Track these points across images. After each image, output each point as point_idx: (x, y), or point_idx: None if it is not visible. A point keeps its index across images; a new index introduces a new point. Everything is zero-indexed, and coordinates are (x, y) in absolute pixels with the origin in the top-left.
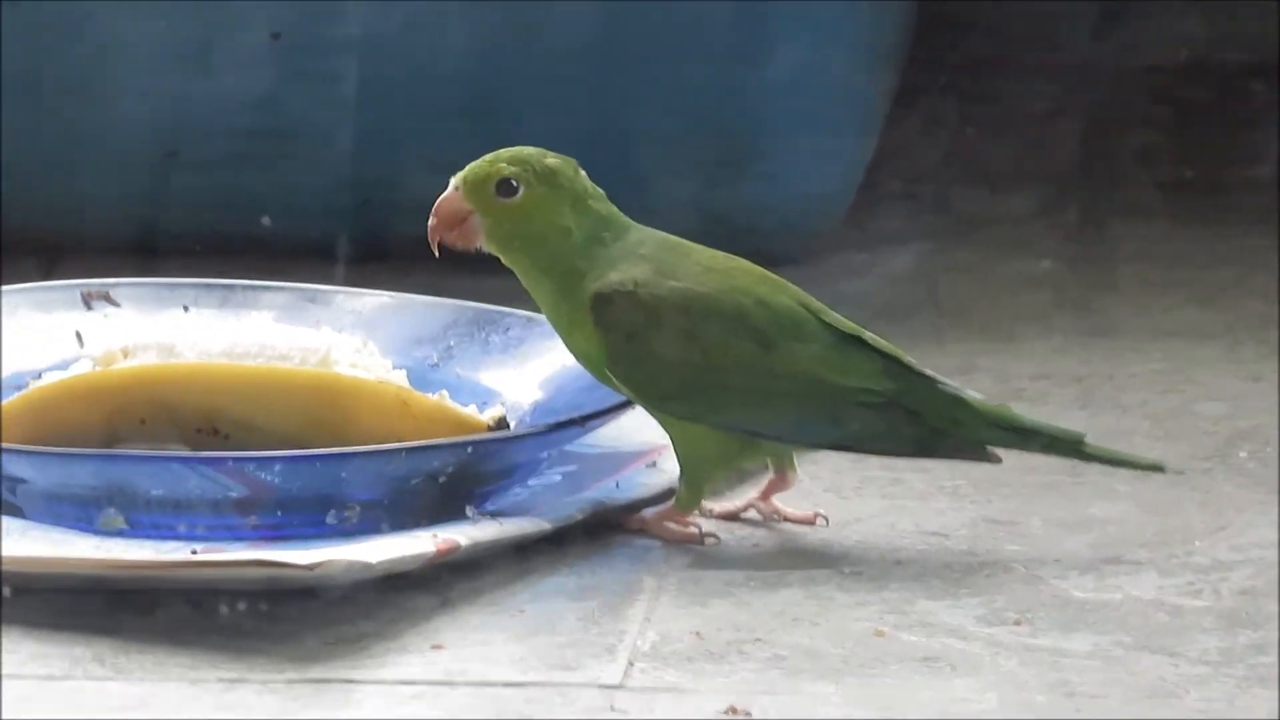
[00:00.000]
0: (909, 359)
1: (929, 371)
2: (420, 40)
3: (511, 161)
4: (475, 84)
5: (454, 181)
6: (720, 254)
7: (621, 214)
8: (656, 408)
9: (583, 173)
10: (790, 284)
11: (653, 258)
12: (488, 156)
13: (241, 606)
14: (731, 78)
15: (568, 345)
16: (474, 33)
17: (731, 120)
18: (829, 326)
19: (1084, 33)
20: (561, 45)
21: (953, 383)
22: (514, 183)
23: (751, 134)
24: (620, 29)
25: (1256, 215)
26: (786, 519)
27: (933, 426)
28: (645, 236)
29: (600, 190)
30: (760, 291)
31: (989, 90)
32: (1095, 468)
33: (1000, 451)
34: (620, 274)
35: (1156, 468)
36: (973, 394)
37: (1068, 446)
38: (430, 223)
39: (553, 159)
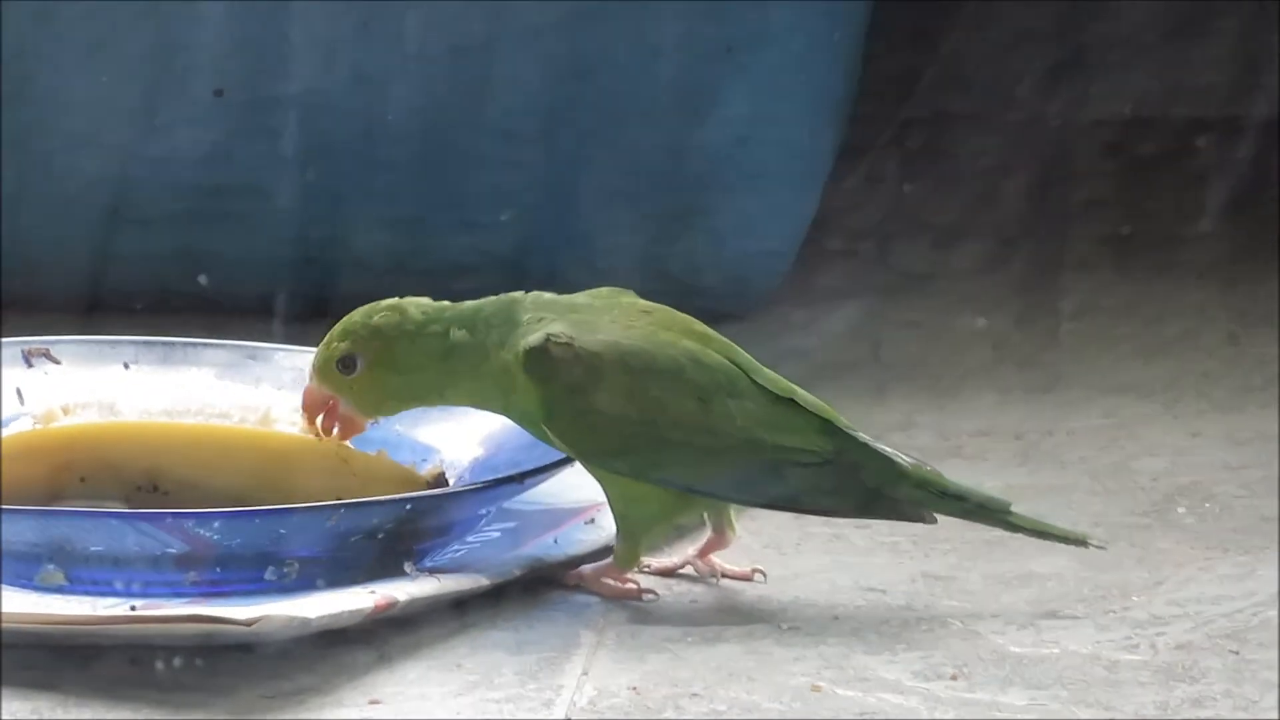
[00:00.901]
0: (843, 420)
1: (861, 434)
2: (366, 97)
3: (341, 337)
4: (421, 140)
5: (307, 372)
6: (632, 304)
7: (479, 302)
8: (595, 464)
9: (411, 307)
10: (715, 335)
11: (563, 319)
12: (326, 338)
13: (179, 662)
14: (676, 134)
15: (507, 414)
16: (420, 89)
17: (676, 176)
18: (760, 386)
19: (1030, 87)
20: (508, 102)
21: (885, 446)
22: (351, 357)
23: (696, 190)
24: (566, 85)
25: (1202, 270)
26: (725, 575)
27: (869, 487)
28: (534, 302)
29: (436, 305)
30: (689, 346)
31: (933, 145)
32: None
33: (936, 518)
34: (543, 330)
35: (1080, 541)
36: (904, 457)
37: (994, 515)
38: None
39: (379, 315)
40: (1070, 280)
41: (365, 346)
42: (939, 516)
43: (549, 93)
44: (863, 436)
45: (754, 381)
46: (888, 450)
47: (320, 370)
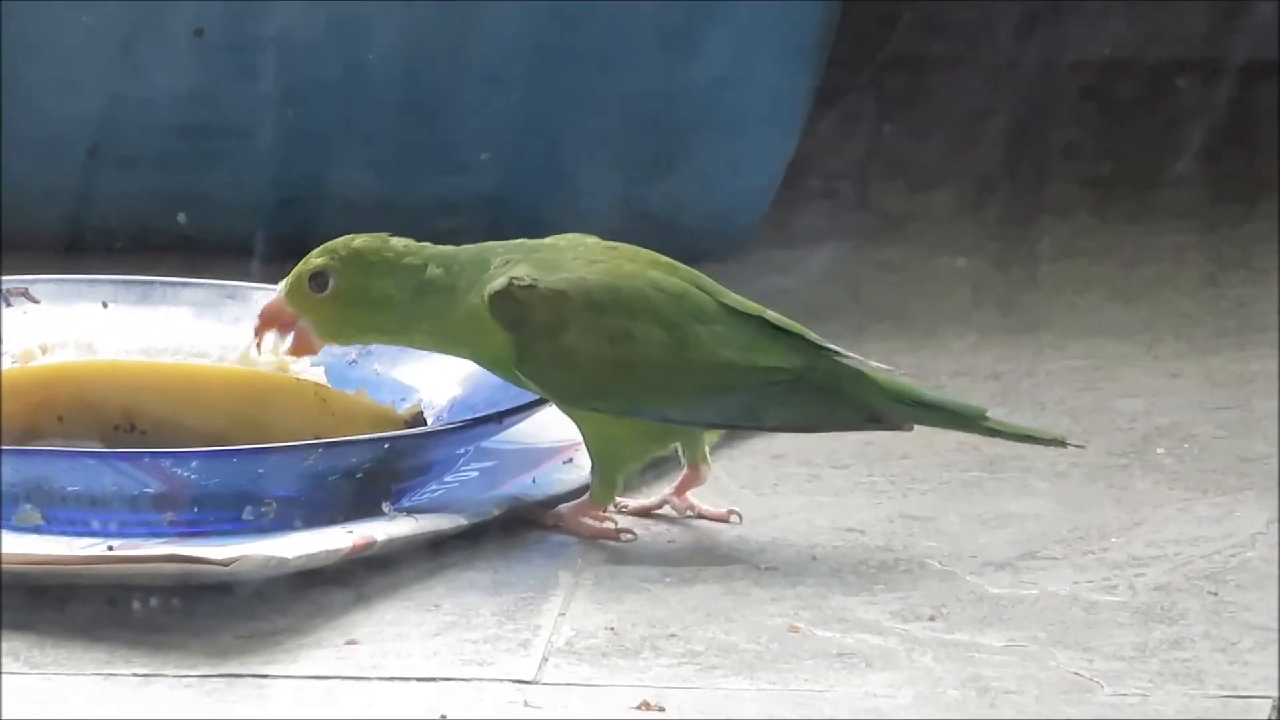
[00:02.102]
0: (812, 335)
1: (830, 345)
2: (348, 37)
3: (320, 254)
4: (403, 82)
5: (278, 288)
6: (596, 244)
7: (459, 247)
8: (567, 403)
9: (394, 240)
10: (680, 265)
11: (527, 260)
12: (304, 258)
13: (156, 602)
14: (657, 76)
15: (476, 360)
16: (402, 30)
17: (657, 118)
18: (729, 309)
19: (1008, 30)
20: (490, 43)
21: (854, 356)
22: (325, 274)
23: (677, 131)
24: (548, 28)
25: (1180, 212)
26: (701, 515)
27: (842, 400)
28: (505, 248)
29: (418, 244)
30: (654, 276)
31: (911, 88)
32: (1012, 464)
33: (914, 425)
34: (507, 275)
35: (1059, 441)
36: (876, 367)
37: (969, 421)
38: (255, 325)
39: (359, 240)
40: (1048, 223)
41: (341, 265)
42: (917, 461)
43: (531, 35)
44: (835, 349)
45: (721, 304)
46: (858, 361)
47: (291, 285)
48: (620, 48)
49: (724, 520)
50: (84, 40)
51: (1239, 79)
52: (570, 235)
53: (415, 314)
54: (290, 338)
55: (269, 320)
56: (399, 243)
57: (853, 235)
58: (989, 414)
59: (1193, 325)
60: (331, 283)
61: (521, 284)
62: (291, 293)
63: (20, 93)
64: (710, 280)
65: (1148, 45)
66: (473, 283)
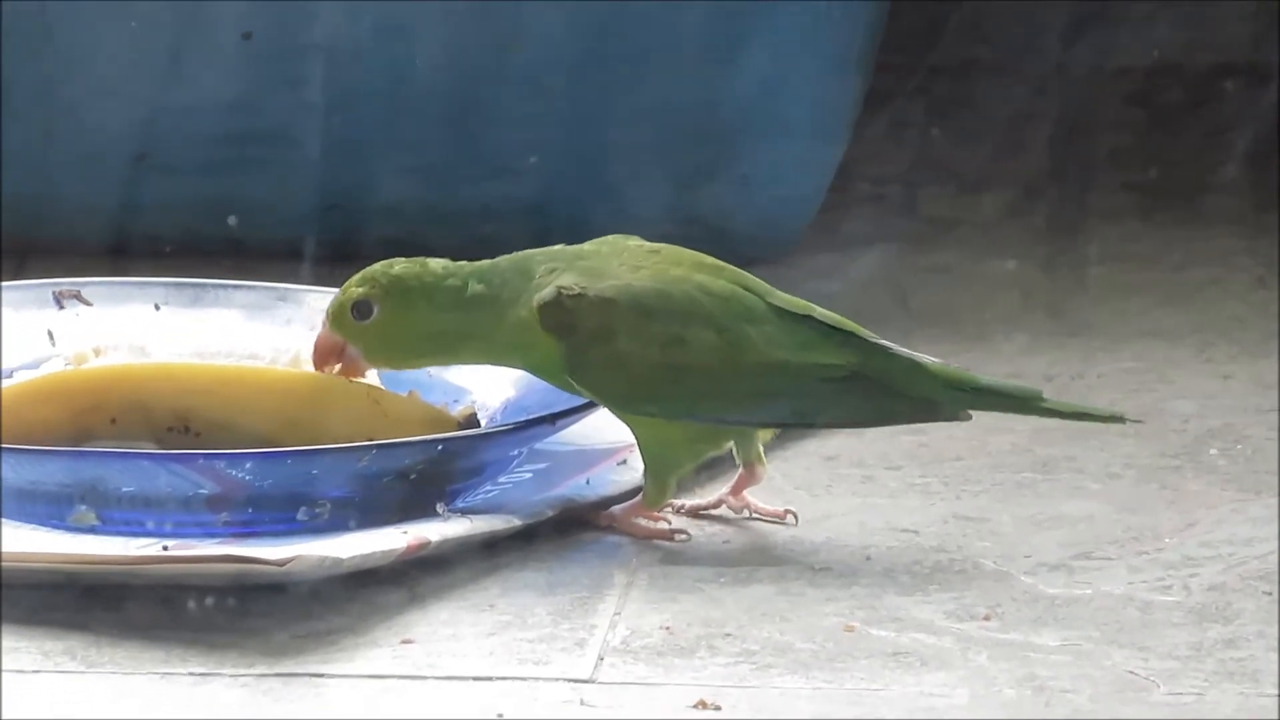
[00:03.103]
0: (862, 330)
1: (882, 340)
2: (394, 45)
3: (359, 283)
4: (448, 90)
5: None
6: (639, 247)
7: (497, 259)
8: (620, 407)
9: (433, 262)
10: (726, 265)
11: (573, 268)
12: (344, 285)
13: (211, 602)
14: (704, 82)
15: (527, 369)
16: (447, 39)
17: (704, 124)
18: (778, 308)
19: (1055, 35)
20: (535, 52)
21: (905, 349)
22: (367, 303)
23: (724, 137)
24: (593, 35)
25: (1228, 216)
26: (757, 514)
27: (898, 394)
28: (547, 255)
29: (456, 263)
30: (701, 279)
31: (959, 93)
32: (1065, 465)
33: (971, 414)
34: (555, 284)
35: (1116, 418)
36: (928, 358)
37: (1028, 404)
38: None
39: (398, 266)
40: (1096, 227)
41: (382, 293)
42: (970, 462)
43: (576, 42)
44: (885, 343)
45: (769, 304)
46: (910, 353)
47: (334, 315)
48: (664, 53)
49: (780, 519)
50: (131, 47)
51: None
52: (612, 238)
53: (462, 333)
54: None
55: (324, 354)
56: (438, 264)
57: (900, 239)
58: (1045, 396)
59: (1243, 328)
60: (375, 310)
61: (570, 293)
62: (336, 323)
63: (69, 100)
64: (757, 280)
65: (1194, 50)
66: (518, 293)
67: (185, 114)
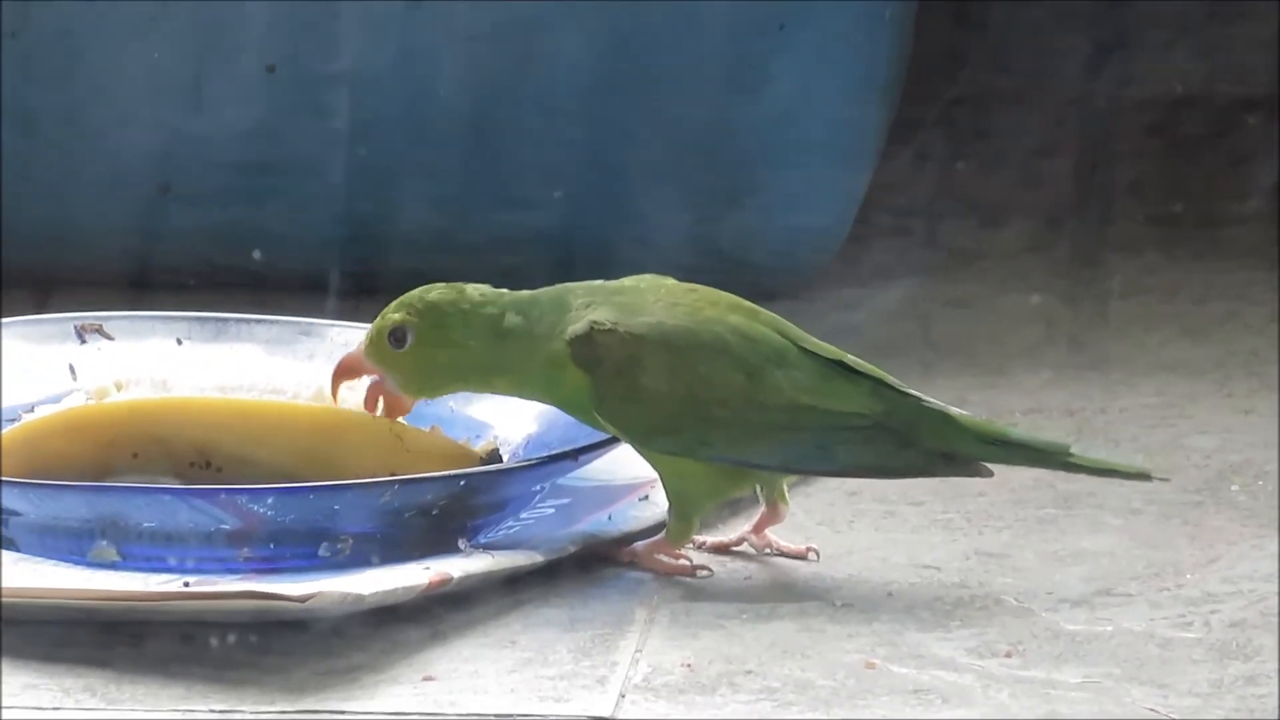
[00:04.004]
0: (893, 380)
1: (913, 391)
2: (415, 74)
3: (396, 309)
4: (470, 118)
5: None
6: (675, 286)
7: (536, 290)
8: (645, 445)
9: (470, 289)
10: (762, 310)
11: (608, 303)
12: (381, 313)
13: (232, 638)
14: (727, 111)
15: (555, 403)
16: (469, 67)
17: (727, 153)
18: (809, 353)
19: (1077, 67)
20: (556, 79)
21: (937, 401)
22: (404, 329)
23: (747, 167)
24: (615, 62)
25: (1250, 249)
26: (779, 552)
27: (922, 446)
28: (585, 290)
29: (494, 290)
30: (734, 321)
31: (981, 124)
32: (1086, 501)
33: (993, 471)
34: (588, 319)
35: (1144, 475)
36: (957, 410)
37: (1054, 458)
38: (331, 377)
39: (434, 292)
40: (1117, 260)
41: (419, 320)
42: (992, 498)
43: (596, 69)
44: (915, 394)
45: (800, 349)
46: (941, 405)
47: (371, 341)
48: (685, 82)
49: (802, 557)
50: (155, 78)
51: None
52: (648, 276)
53: (496, 363)
54: (380, 404)
55: (344, 373)
56: (475, 291)
57: (922, 272)
58: (1073, 450)
59: (1263, 363)
60: (410, 337)
61: (602, 328)
62: (371, 349)
63: (91, 130)
64: (791, 325)
65: (1215, 82)
66: (552, 327)
67: (208, 144)
